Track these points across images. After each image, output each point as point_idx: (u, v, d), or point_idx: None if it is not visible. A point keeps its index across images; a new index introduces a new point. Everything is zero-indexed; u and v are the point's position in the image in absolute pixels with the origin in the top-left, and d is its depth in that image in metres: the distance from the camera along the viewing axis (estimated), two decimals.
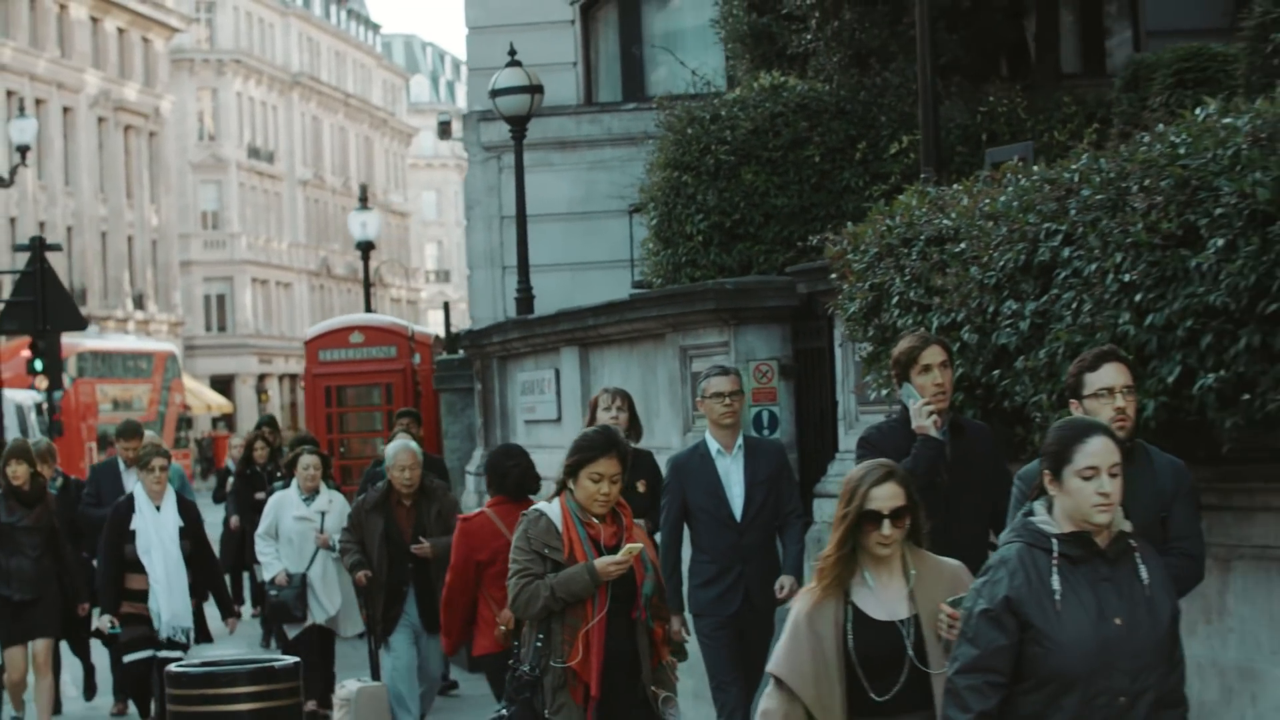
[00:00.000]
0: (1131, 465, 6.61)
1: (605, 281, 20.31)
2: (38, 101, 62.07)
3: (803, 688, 5.93)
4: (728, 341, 12.24)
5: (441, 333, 26.96)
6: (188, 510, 13.13)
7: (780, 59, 15.94)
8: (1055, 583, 5.49)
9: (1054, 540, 5.54)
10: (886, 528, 5.93)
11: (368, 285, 33.89)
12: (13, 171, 37.68)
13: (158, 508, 12.95)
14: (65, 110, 64.14)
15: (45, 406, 45.79)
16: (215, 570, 13.56)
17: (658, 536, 9.97)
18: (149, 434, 16.54)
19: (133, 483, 14.30)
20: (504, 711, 7.80)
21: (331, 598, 14.31)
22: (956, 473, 8.17)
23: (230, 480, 19.25)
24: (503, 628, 9.24)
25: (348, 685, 12.14)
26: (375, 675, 12.73)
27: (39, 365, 37.05)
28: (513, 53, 18.08)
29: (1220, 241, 7.53)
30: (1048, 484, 5.61)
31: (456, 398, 18.96)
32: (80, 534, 14.89)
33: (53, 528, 13.81)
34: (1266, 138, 7.62)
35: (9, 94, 60.04)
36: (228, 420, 71.52)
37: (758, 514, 9.77)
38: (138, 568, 12.85)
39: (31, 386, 38.77)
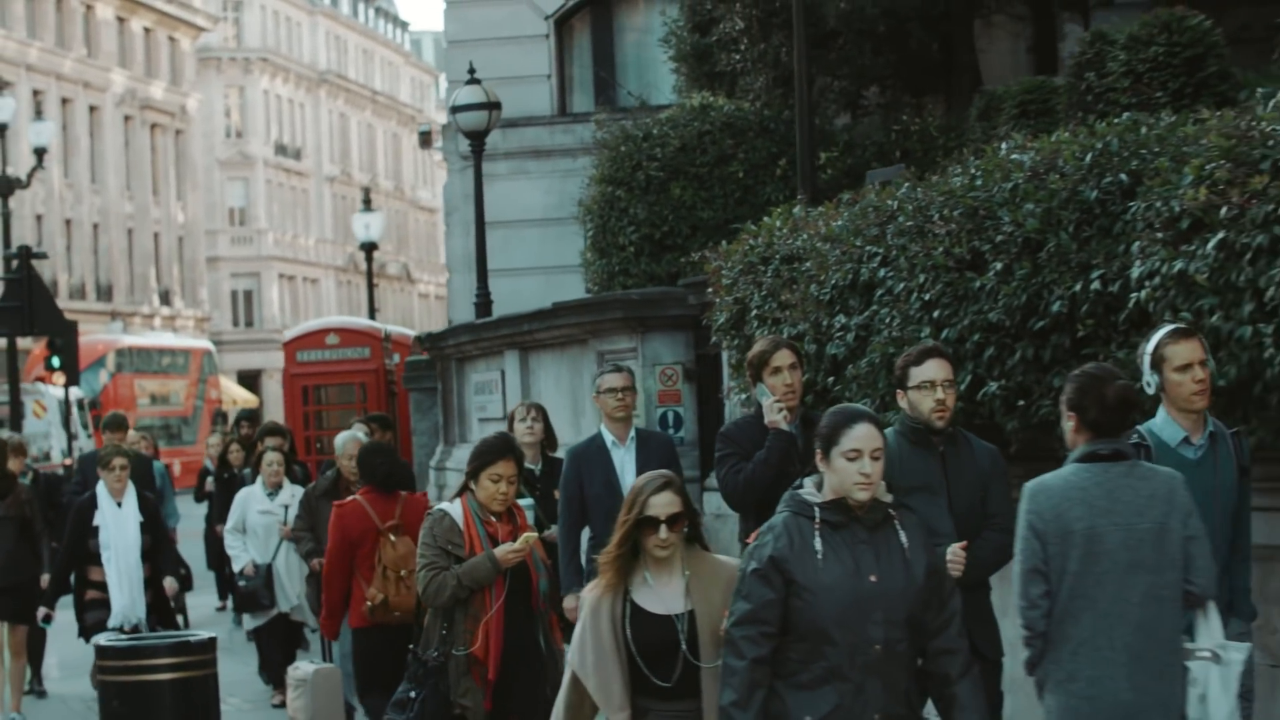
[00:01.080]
0: (955, 449, 7.65)
1: (577, 285, 21.38)
2: (64, 100, 63.44)
3: (585, 676, 6.71)
4: (636, 347, 13.33)
5: None
6: (147, 506, 14.22)
7: (717, 78, 17.00)
8: (817, 544, 6.24)
9: (816, 508, 6.31)
10: (663, 532, 6.60)
11: (370, 284, 35.03)
12: (30, 174, 38.88)
13: (119, 504, 14.03)
14: (92, 109, 65.45)
15: (86, 401, 47.32)
16: (174, 558, 14.61)
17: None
18: (132, 434, 17.70)
19: None
20: (411, 694, 8.80)
21: (295, 587, 15.29)
22: (808, 461, 9.20)
23: (209, 480, 20.27)
24: (369, 604, 10.37)
25: (302, 667, 13.04)
26: (326, 657, 13.68)
27: (56, 362, 38.44)
28: (472, 71, 19.20)
29: (999, 265, 8.62)
30: (818, 462, 6.41)
31: (424, 396, 20.07)
32: (54, 524, 15.99)
33: (25, 517, 14.93)
34: (1044, 172, 8.70)
35: (35, 93, 61.39)
36: (254, 415, 72.78)
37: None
38: (101, 560, 13.95)
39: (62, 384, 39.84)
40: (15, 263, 22.07)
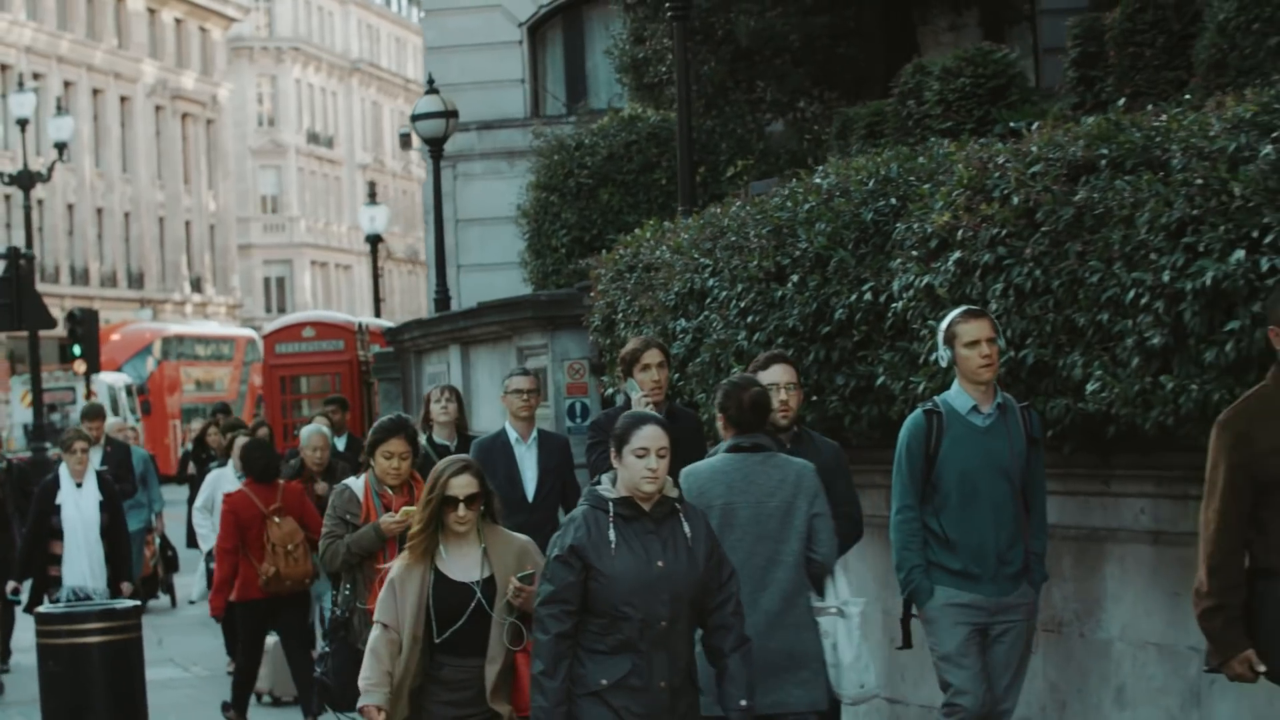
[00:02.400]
0: (800, 447, 8.82)
1: None
2: (95, 91, 65.07)
3: (397, 627, 7.67)
4: (547, 344, 14.64)
5: None
6: (106, 487, 15.60)
7: (655, 88, 18.28)
8: (611, 535, 7.13)
9: (611, 503, 7.20)
10: (462, 510, 7.47)
11: (376, 276, 36.38)
12: (50, 168, 40.30)
13: (79, 485, 15.41)
14: (123, 100, 67.08)
15: (134, 387, 48.95)
16: (125, 543, 15.98)
17: None
18: (113, 420, 19.07)
19: (96, 460, 16.92)
20: (326, 648, 10.15)
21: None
22: (673, 447, 10.39)
23: (190, 465, 21.64)
24: (264, 577, 11.83)
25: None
26: None
27: (77, 350, 40.02)
28: (430, 81, 20.52)
29: (796, 277, 9.91)
30: (613, 458, 7.38)
31: (391, 386, 21.40)
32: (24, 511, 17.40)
33: None
34: (837, 194, 9.99)
35: (66, 85, 63.01)
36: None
37: (546, 496, 11.53)
38: (62, 536, 15.34)
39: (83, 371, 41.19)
40: (4, 263, 23.52)
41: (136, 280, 67.72)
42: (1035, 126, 8.99)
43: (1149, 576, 8.90)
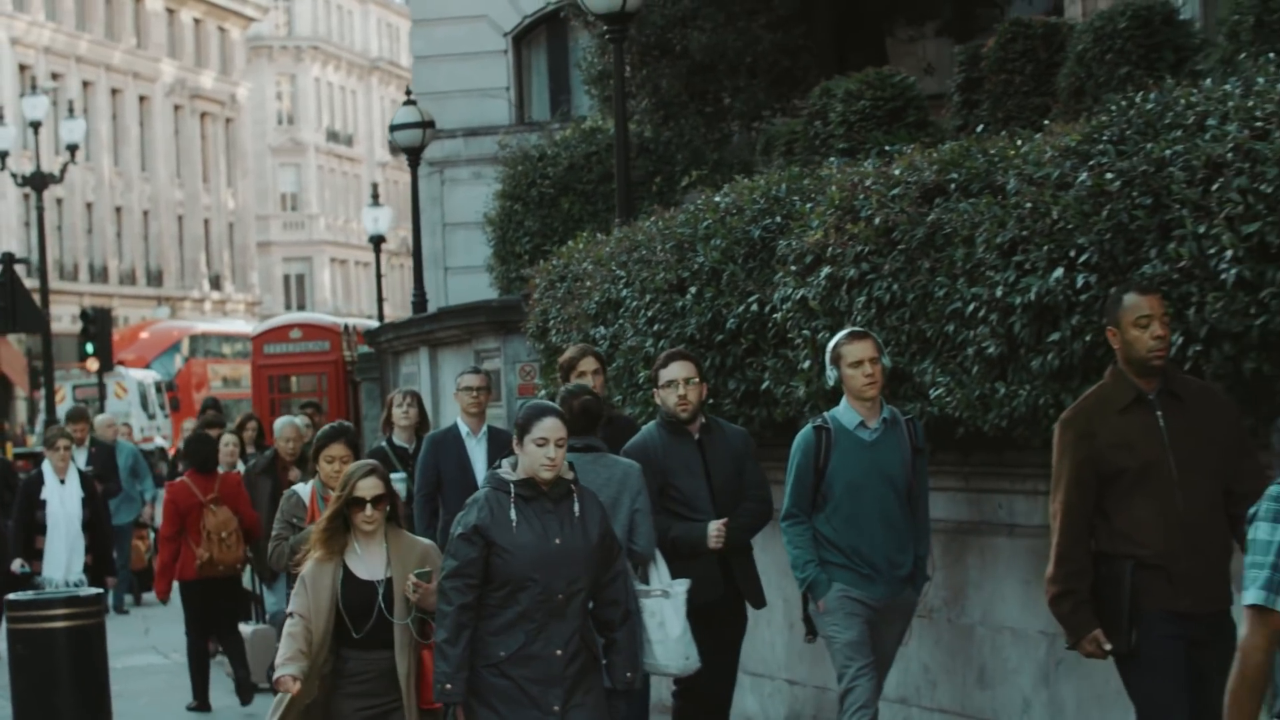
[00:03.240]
0: (710, 436, 9.59)
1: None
2: (114, 91, 66.09)
3: (311, 621, 8.35)
4: (500, 347, 15.51)
5: None
6: (88, 484, 16.51)
7: (639, 93, 19.10)
8: (512, 514, 7.74)
9: (512, 485, 7.84)
10: (369, 509, 8.12)
11: (379, 277, 37.30)
12: (62, 170, 41.26)
13: (62, 481, 16.33)
14: (141, 99, 68.10)
15: (163, 384, 49.99)
16: (106, 536, 16.88)
17: None
18: (102, 419, 19.99)
19: (82, 459, 17.88)
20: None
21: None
22: (613, 447, 11.13)
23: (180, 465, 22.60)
24: (199, 561, 12.72)
25: (240, 629, 15.38)
26: (260, 618, 15.84)
27: (90, 348, 41.02)
28: (409, 93, 21.41)
29: (694, 289, 10.75)
30: (515, 445, 8.03)
31: (373, 386, 22.30)
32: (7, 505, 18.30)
33: None
34: (733, 212, 10.83)
35: (85, 84, 64.06)
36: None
37: None
38: (46, 530, 16.26)
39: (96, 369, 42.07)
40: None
41: (155, 278, 68.74)
42: (904, 150, 9.81)
43: (1005, 566, 9.71)
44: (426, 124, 21.13)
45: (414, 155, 21.47)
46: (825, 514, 8.96)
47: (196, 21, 72.48)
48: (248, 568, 14.43)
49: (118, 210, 66.65)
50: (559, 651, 7.80)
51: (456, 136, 25.01)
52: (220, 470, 17.25)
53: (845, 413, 8.90)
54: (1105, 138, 8.33)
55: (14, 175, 40.79)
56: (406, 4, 32.46)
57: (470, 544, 7.75)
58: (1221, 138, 7.70)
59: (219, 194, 73.71)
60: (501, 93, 25.72)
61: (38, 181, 39.67)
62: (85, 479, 16.57)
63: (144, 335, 54.33)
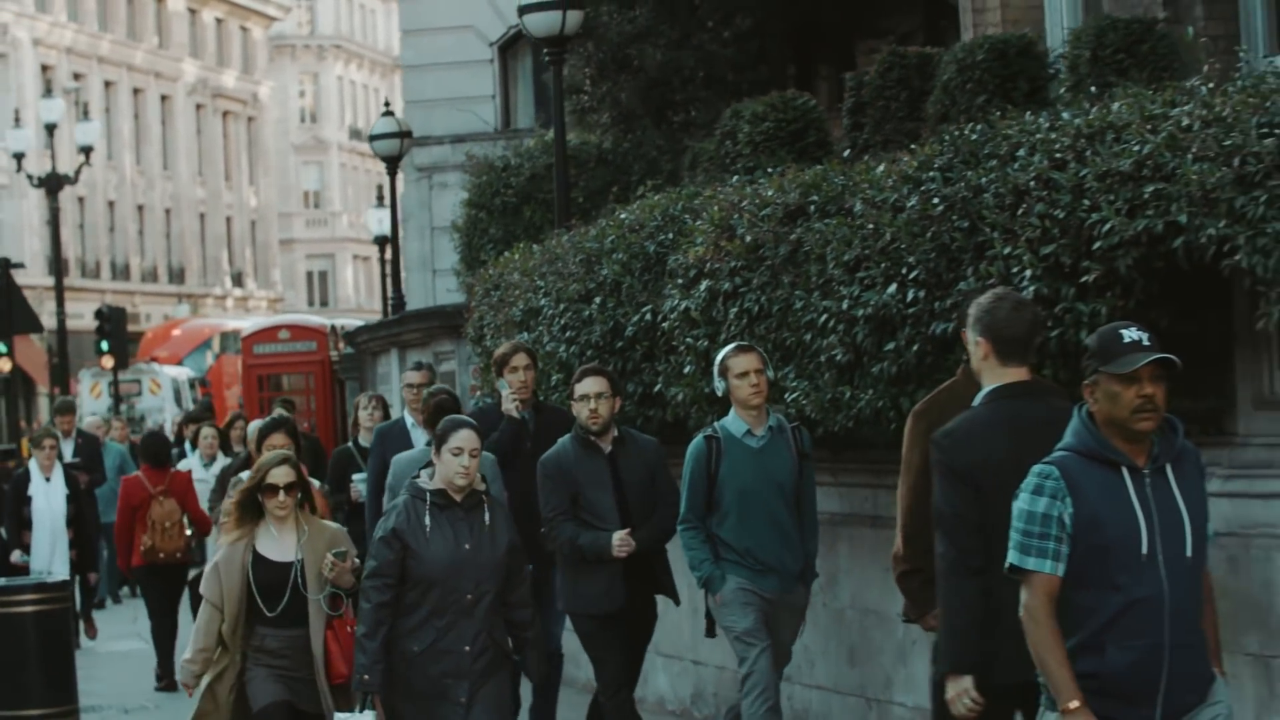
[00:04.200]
0: (623, 447, 10.48)
1: None
2: (135, 90, 67.28)
3: (222, 605, 8.90)
4: (454, 349, 16.51)
5: None
6: (73, 481, 17.57)
7: (581, 113, 20.08)
8: (427, 520, 8.56)
9: (428, 493, 8.66)
10: (281, 496, 8.89)
11: (384, 277, 38.32)
12: (77, 171, 42.40)
13: (47, 478, 17.39)
14: (164, 98, 69.28)
15: (195, 380, 51.22)
16: (90, 531, 17.93)
17: None
18: (91, 418, 21.05)
19: (69, 452, 19.00)
20: None
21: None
22: (538, 440, 11.78)
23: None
24: (144, 548, 13.84)
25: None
26: None
27: (105, 346, 42.17)
28: (386, 104, 22.42)
29: (599, 300, 11.74)
30: (433, 455, 8.96)
31: (355, 384, 23.36)
32: None
33: None
34: (636, 228, 11.82)
35: (107, 84, 65.29)
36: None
37: None
38: (32, 525, 17.34)
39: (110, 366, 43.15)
40: None
41: (178, 275, 69.94)
42: (776, 172, 10.79)
43: (869, 554, 10.67)
44: (404, 134, 22.17)
45: (393, 163, 22.50)
46: (718, 518, 9.67)
47: (218, 21, 73.66)
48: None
49: (140, 208, 67.84)
50: (467, 648, 8.61)
51: (444, 143, 25.98)
52: (201, 462, 18.34)
53: (733, 422, 9.62)
54: (935, 165, 9.28)
55: (30, 177, 41.97)
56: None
57: (389, 547, 8.57)
58: (1026, 167, 8.65)
59: (241, 192, 74.89)
60: (487, 100, 26.68)
61: (53, 183, 40.86)
62: (70, 477, 17.63)
63: (176, 333, 55.65)
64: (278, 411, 13.94)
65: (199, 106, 71.73)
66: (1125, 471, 5.87)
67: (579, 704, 11.37)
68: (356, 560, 9.12)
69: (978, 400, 7.10)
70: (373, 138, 22.67)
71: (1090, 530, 5.82)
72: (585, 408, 9.95)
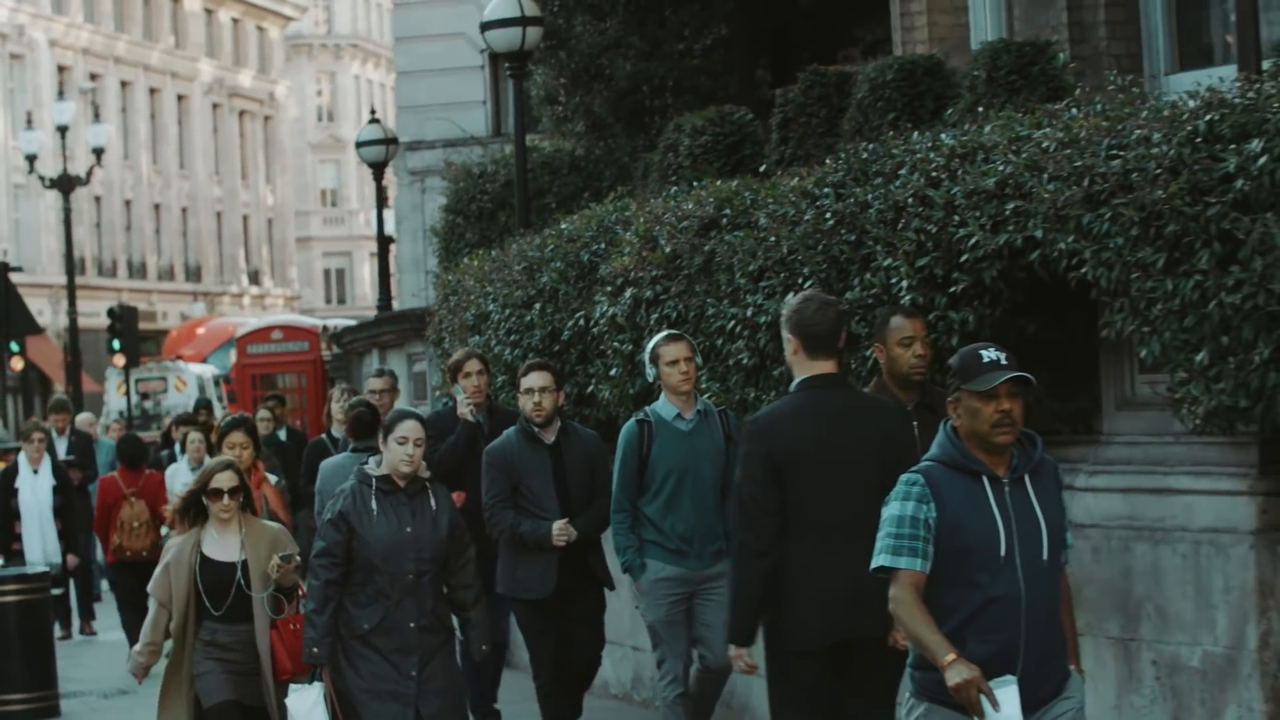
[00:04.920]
0: (567, 440, 11.14)
1: None
2: (152, 90, 68.20)
3: (170, 603, 9.53)
4: (424, 351, 17.27)
5: None
6: (60, 473, 18.40)
7: (558, 121, 20.81)
8: (373, 505, 9.19)
9: (374, 479, 9.29)
10: (225, 499, 9.50)
11: (386, 275, 39.08)
12: (88, 172, 43.29)
13: (35, 471, 18.21)
14: (180, 98, 70.20)
15: (220, 377, 52.18)
16: (76, 522, 18.71)
17: None
18: (84, 416, 21.87)
19: (63, 449, 19.84)
20: None
21: None
22: (492, 441, 12.57)
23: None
24: (114, 545, 14.69)
25: None
26: None
27: (117, 344, 43.06)
28: (373, 112, 23.21)
29: (539, 305, 12.49)
30: (380, 444, 9.57)
31: (344, 383, 24.19)
32: None
33: None
34: (571, 239, 12.56)
35: (124, 84, 66.21)
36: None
37: None
38: (21, 516, 18.18)
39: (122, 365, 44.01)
40: None
41: (194, 274, 70.86)
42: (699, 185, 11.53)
43: None
44: (390, 140, 22.96)
45: (379, 169, 23.30)
46: (648, 496, 10.22)
47: (235, 21, 74.56)
48: None
49: (156, 207, 68.75)
50: (413, 624, 9.24)
51: (436, 147, 26.74)
52: (189, 466, 19.13)
53: (664, 406, 10.19)
54: (829, 182, 10.00)
55: (41, 178, 42.85)
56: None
57: (336, 529, 9.24)
58: (906, 185, 9.37)
59: (258, 190, 75.79)
60: (478, 106, 27.45)
61: (65, 184, 41.75)
62: (58, 469, 18.46)
63: (200, 331, 56.68)
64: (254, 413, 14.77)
65: (215, 106, 72.63)
66: (986, 481, 6.35)
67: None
68: (299, 559, 9.75)
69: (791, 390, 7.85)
70: (359, 144, 23.46)
71: (952, 534, 6.32)
72: (530, 401, 10.54)
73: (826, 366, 7.81)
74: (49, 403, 21.61)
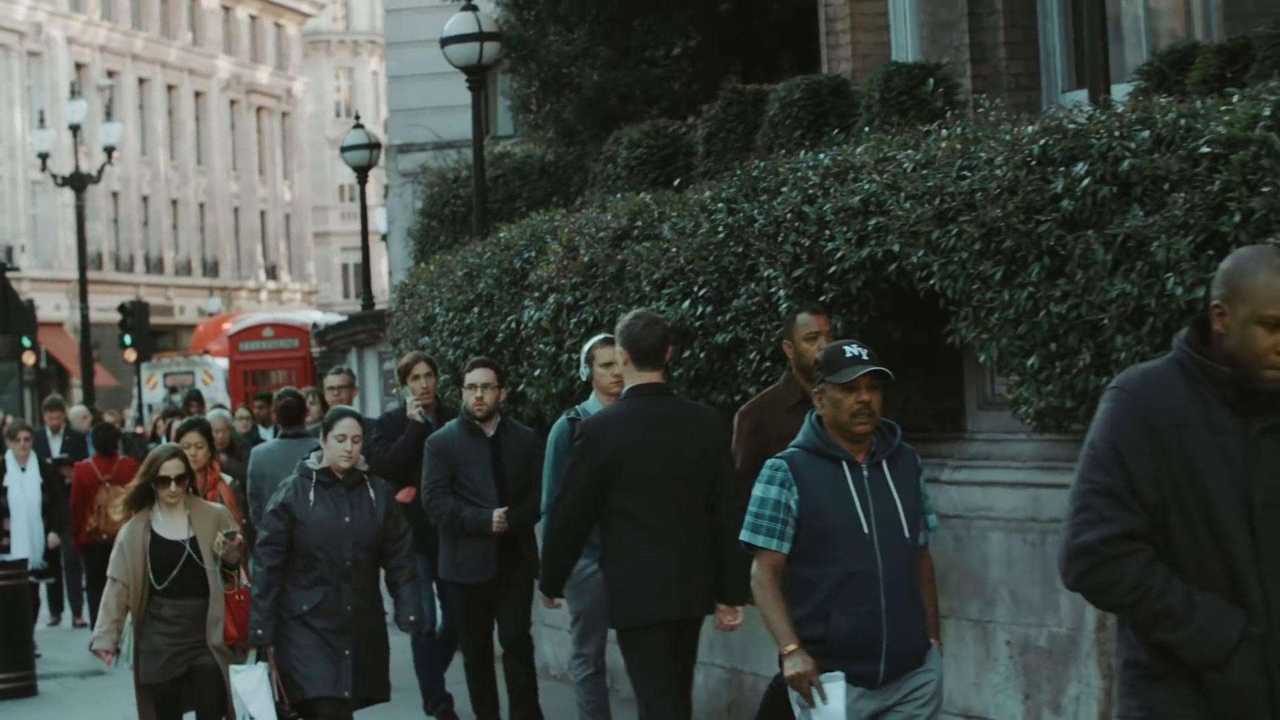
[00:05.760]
0: (506, 434, 12.00)
1: None
2: (169, 87, 69.31)
3: (126, 581, 10.39)
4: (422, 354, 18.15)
5: None
6: (46, 470, 19.34)
7: (533, 128, 21.70)
8: (312, 496, 10.06)
9: (314, 473, 10.20)
10: (172, 486, 10.42)
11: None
12: (99, 171, 44.30)
13: (23, 469, 19.16)
14: (197, 95, 71.31)
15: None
16: (64, 515, 19.62)
17: None
18: (78, 410, 22.82)
19: (57, 447, 20.83)
20: None
21: None
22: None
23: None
24: (89, 529, 15.63)
25: None
26: None
27: (128, 339, 44.08)
28: (357, 117, 24.09)
29: (476, 310, 13.37)
30: (321, 441, 10.54)
31: None
32: None
33: None
34: (506, 247, 13.44)
35: (141, 81, 67.29)
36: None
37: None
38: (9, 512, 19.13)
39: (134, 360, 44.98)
40: None
41: (211, 269, 71.97)
42: (618, 198, 12.41)
43: None
44: (374, 145, 23.89)
45: (362, 173, 24.23)
46: None
47: (252, 18, 75.61)
48: None
49: (173, 203, 69.85)
50: (350, 607, 10.11)
51: (426, 150, 27.61)
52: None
53: (593, 404, 10.80)
54: (723, 197, 10.87)
55: (54, 176, 43.91)
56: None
57: (279, 519, 10.10)
58: (786, 201, 10.23)
59: (276, 186, 76.85)
60: (466, 110, 28.24)
61: (77, 182, 42.77)
62: (45, 466, 19.41)
63: (226, 326, 57.72)
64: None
65: (233, 102, 73.69)
66: (845, 466, 7.02)
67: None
68: (241, 538, 10.71)
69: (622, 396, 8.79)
70: (344, 149, 24.37)
71: (814, 515, 6.97)
72: (473, 395, 11.29)
73: (652, 377, 8.74)
74: (45, 401, 22.55)
